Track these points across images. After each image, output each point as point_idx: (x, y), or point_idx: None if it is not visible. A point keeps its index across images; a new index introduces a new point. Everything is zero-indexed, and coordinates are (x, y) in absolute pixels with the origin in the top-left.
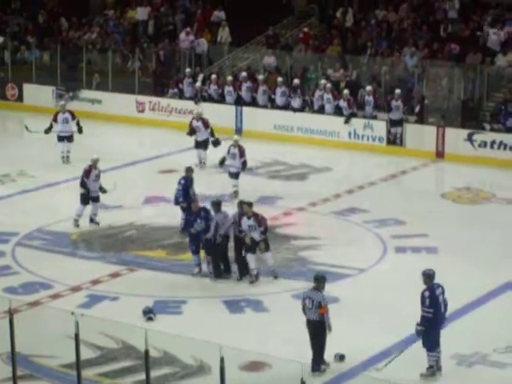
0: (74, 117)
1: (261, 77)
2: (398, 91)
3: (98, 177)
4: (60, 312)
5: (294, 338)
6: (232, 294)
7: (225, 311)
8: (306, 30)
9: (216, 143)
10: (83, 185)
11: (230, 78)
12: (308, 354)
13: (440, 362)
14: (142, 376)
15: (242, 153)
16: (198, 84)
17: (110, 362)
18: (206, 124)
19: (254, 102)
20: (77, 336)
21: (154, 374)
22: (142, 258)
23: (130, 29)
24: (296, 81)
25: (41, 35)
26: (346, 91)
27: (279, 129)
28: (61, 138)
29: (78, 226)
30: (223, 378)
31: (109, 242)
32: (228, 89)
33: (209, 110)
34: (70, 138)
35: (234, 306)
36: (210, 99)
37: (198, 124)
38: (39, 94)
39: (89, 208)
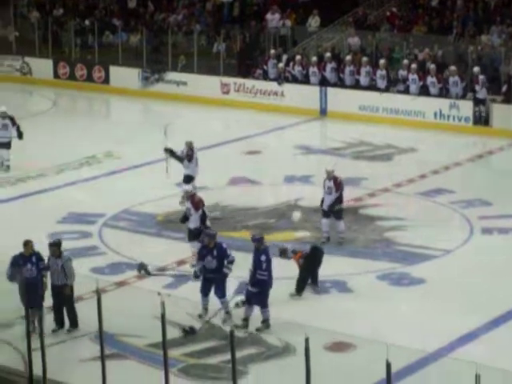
0: (14, 123)
1: (348, 57)
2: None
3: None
4: (146, 292)
5: (379, 318)
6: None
7: (310, 292)
8: (394, 9)
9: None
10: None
11: (314, 58)
12: (392, 334)
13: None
14: (227, 356)
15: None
16: (281, 65)
17: (195, 342)
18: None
19: (338, 83)
20: (163, 316)
21: (239, 354)
22: (227, 239)
23: (216, 10)
24: (382, 61)
25: (127, 18)
26: (432, 66)
27: (364, 109)
28: None
29: None
30: (308, 358)
31: None
32: (312, 70)
33: (293, 91)
34: (7, 145)
35: (319, 286)
36: (294, 80)
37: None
38: (125, 76)
39: None
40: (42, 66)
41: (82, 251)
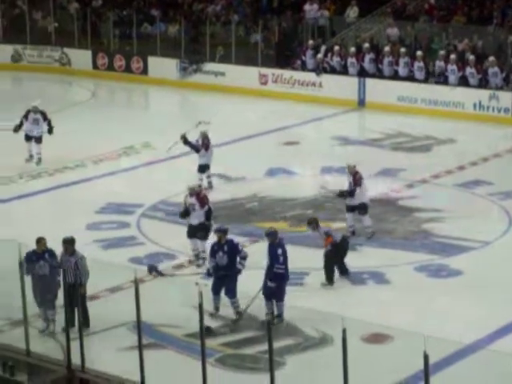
0: (45, 118)
1: (386, 48)
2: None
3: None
4: (184, 282)
5: (416, 309)
6: (354, 265)
7: (347, 283)
8: (432, 1)
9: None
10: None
11: (352, 49)
12: (429, 326)
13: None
14: (265, 346)
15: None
16: (320, 56)
17: (232, 332)
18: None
19: (377, 74)
20: (200, 306)
21: (276, 344)
22: (264, 230)
23: (254, 1)
24: (419, 53)
25: (165, 8)
26: (471, 57)
27: (403, 100)
28: (28, 138)
29: None
30: (345, 349)
31: (231, 213)
32: (351, 60)
33: (331, 81)
34: (38, 139)
35: (356, 277)
36: (333, 71)
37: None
38: (164, 66)
39: None
40: (81, 57)
41: (121, 241)
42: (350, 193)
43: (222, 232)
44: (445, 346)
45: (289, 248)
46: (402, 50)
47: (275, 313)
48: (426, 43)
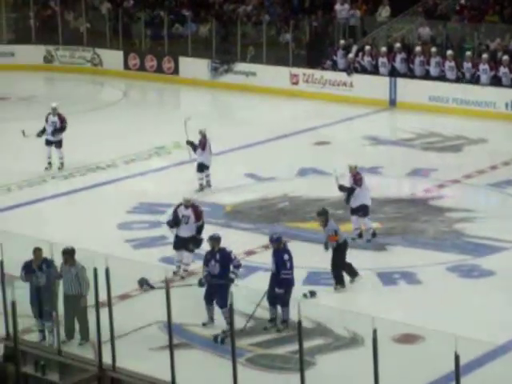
0: (62, 121)
1: (418, 48)
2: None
3: None
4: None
5: (448, 310)
6: (386, 266)
7: (378, 283)
8: (462, 1)
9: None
10: None
11: (384, 49)
12: (460, 326)
13: None
14: (295, 346)
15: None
16: (351, 55)
17: (263, 332)
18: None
19: (408, 73)
20: (231, 306)
21: (306, 344)
22: (295, 230)
23: (285, 1)
24: (449, 52)
25: (196, 8)
26: (505, 57)
27: (434, 100)
28: (48, 142)
29: None
30: (376, 349)
31: (262, 213)
32: (382, 60)
33: (362, 81)
34: (57, 144)
35: (387, 278)
36: (364, 71)
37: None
38: (195, 66)
39: None
40: (113, 58)
41: (152, 241)
42: (350, 190)
43: (214, 240)
44: (476, 346)
45: (319, 248)
46: (434, 49)
47: (281, 318)
48: (458, 43)
